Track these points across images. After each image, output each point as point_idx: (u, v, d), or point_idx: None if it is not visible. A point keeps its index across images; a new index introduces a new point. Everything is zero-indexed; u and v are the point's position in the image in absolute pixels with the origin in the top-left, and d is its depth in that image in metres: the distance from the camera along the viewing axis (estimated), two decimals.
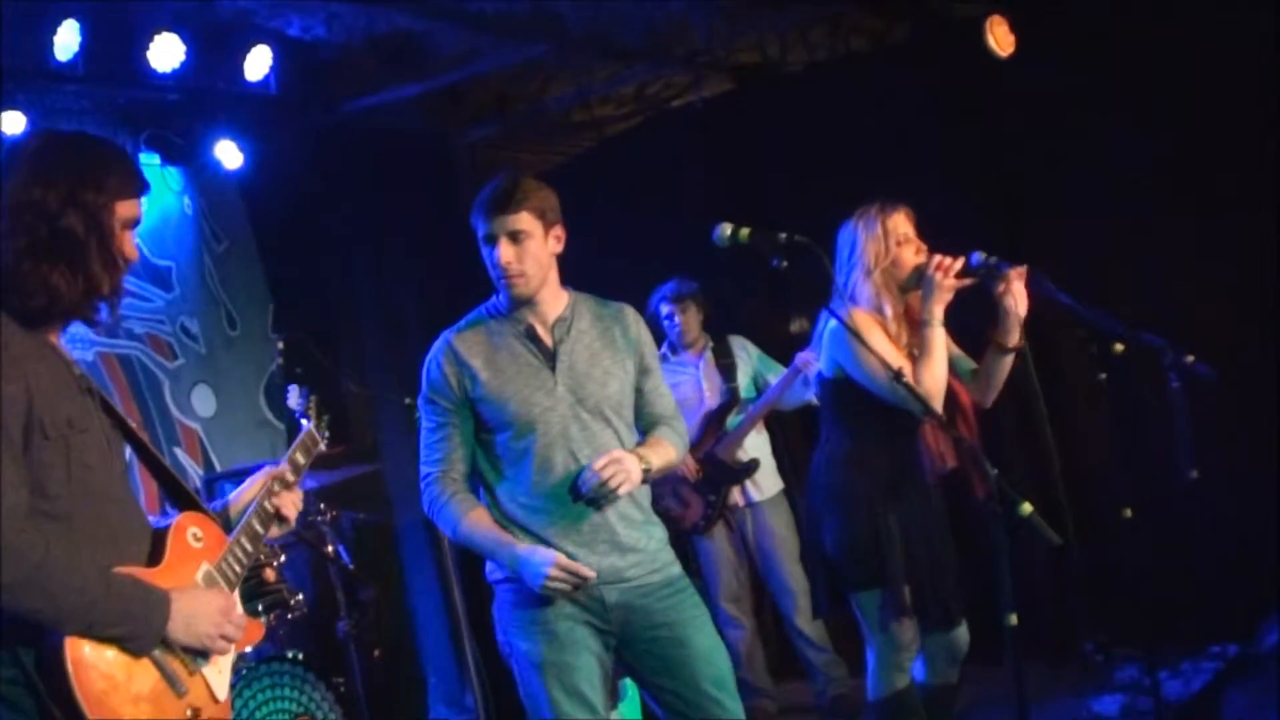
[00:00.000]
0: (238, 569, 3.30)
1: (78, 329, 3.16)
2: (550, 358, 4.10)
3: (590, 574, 3.96)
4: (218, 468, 7.18)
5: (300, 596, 5.82)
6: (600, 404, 4.10)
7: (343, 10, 6.76)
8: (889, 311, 4.70)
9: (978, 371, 4.83)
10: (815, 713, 6.98)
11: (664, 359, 7.09)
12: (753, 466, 6.90)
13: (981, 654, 4.96)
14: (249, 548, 3.37)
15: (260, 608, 5.60)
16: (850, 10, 7.95)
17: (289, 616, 5.79)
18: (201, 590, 3.13)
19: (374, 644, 6.49)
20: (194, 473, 7.05)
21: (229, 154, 7.20)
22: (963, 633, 4.88)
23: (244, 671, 5.39)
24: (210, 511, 3.38)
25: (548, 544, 4.01)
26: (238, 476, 6.49)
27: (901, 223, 4.75)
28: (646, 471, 4.07)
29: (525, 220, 4.03)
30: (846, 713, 6.77)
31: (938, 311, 4.56)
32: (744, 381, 7.04)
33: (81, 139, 3.23)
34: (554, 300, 4.17)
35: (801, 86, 8.12)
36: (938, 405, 4.45)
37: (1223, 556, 6.33)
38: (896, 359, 4.41)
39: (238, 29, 6.76)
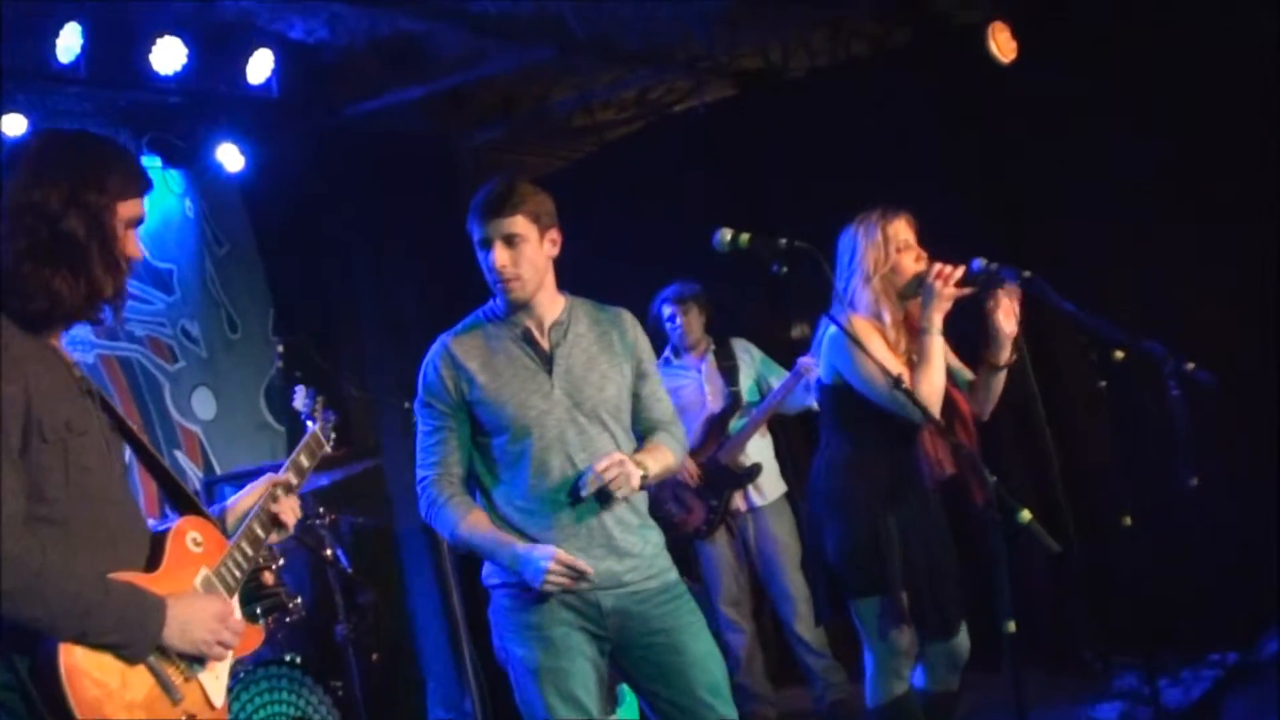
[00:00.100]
0: (237, 574, 3.28)
1: (79, 331, 3.14)
2: (547, 361, 4.10)
3: (590, 569, 3.95)
4: (218, 470, 7.18)
5: (299, 600, 5.82)
6: (597, 408, 4.10)
7: (345, 13, 6.75)
8: (887, 318, 4.69)
9: (974, 384, 4.83)
10: (814, 718, 6.98)
11: (666, 362, 7.09)
12: (755, 471, 6.89)
13: (980, 661, 4.95)
14: (249, 552, 3.35)
15: (258, 611, 5.59)
16: (852, 16, 7.95)
17: (287, 620, 5.79)
18: (199, 596, 3.10)
19: (372, 648, 6.48)
20: (194, 475, 7.05)
21: (230, 157, 7.20)
22: (963, 640, 4.87)
23: (241, 675, 5.38)
24: (210, 515, 3.36)
25: None
26: (238, 479, 6.50)
27: (902, 229, 4.75)
28: (644, 477, 4.06)
29: (520, 224, 4.03)
30: (845, 718, 6.76)
31: (937, 319, 4.56)
32: (746, 385, 7.03)
33: (83, 138, 3.18)
34: (551, 304, 4.16)
35: (803, 92, 8.13)
36: (936, 412, 4.45)
37: (1223, 564, 6.31)
38: (895, 366, 4.41)
39: (240, 32, 6.75)
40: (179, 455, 7.04)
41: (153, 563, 3.07)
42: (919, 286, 4.63)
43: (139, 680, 2.91)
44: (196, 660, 3.05)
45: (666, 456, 4.20)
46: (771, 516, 6.95)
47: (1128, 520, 5.17)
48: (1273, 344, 6.32)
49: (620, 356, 4.20)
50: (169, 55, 6.31)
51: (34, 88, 6.15)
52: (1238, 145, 6.40)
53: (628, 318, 4.30)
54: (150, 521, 3.26)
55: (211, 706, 3.09)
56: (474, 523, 4.08)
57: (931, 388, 4.49)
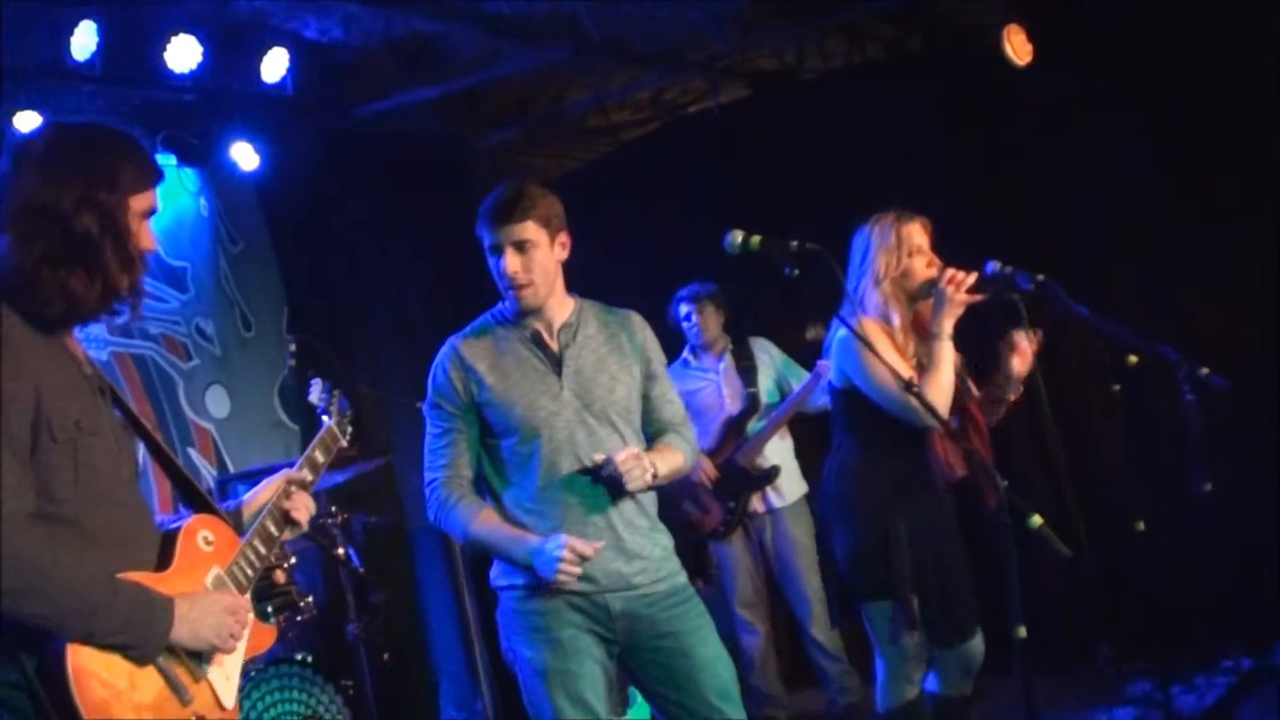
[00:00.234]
0: (249, 572, 3.26)
1: (94, 328, 3.13)
2: (556, 363, 4.10)
3: (589, 551, 3.93)
4: (231, 469, 7.19)
5: (310, 599, 5.83)
6: (607, 409, 4.10)
7: (360, 13, 6.76)
8: (896, 321, 4.69)
9: (979, 399, 4.82)
10: None
11: (684, 363, 7.10)
12: (773, 473, 6.87)
13: (991, 665, 4.94)
14: (262, 551, 3.33)
15: (269, 609, 5.59)
16: (868, 19, 7.94)
17: (298, 618, 5.79)
18: (208, 593, 3.08)
19: (383, 647, 6.49)
20: (207, 473, 7.06)
21: (245, 155, 7.21)
22: (976, 644, 4.85)
23: (252, 673, 5.38)
24: (223, 513, 3.34)
25: None
26: (251, 477, 6.51)
27: (916, 233, 4.74)
28: (654, 477, 4.05)
29: (531, 229, 4.03)
30: None
31: (948, 325, 4.55)
32: (766, 385, 7.01)
33: (91, 131, 3.14)
34: (560, 306, 4.16)
35: (817, 94, 8.11)
36: (944, 416, 4.44)
37: (1236, 569, 6.30)
38: (904, 369, 4.40)
39: (254, 31, 6.76)
40: (193, 453, 7.04)
41: (163, 562, 3.05)
42: (929, 290, 4.63)
43: (148, 681, 2.90)
44: (207, 660, 3.04)
45: (676, 458, 4.19)
46: (790, 518, 6.92)
47: (1141, 525, 5.16)
48: None
49: (630, 358, 4.19)
50: (184, 53, 6.31)
51: (48, 86, 6.15)
52: (1248, 148, 6.38)
53: (637, 319, 4.30)
54: (165, 517, 3.25)
55: (222, 707, 3.08)
56: (484, 521, 4.08)
57: (940, 392, 4.48)
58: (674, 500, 6.79)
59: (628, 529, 4.08)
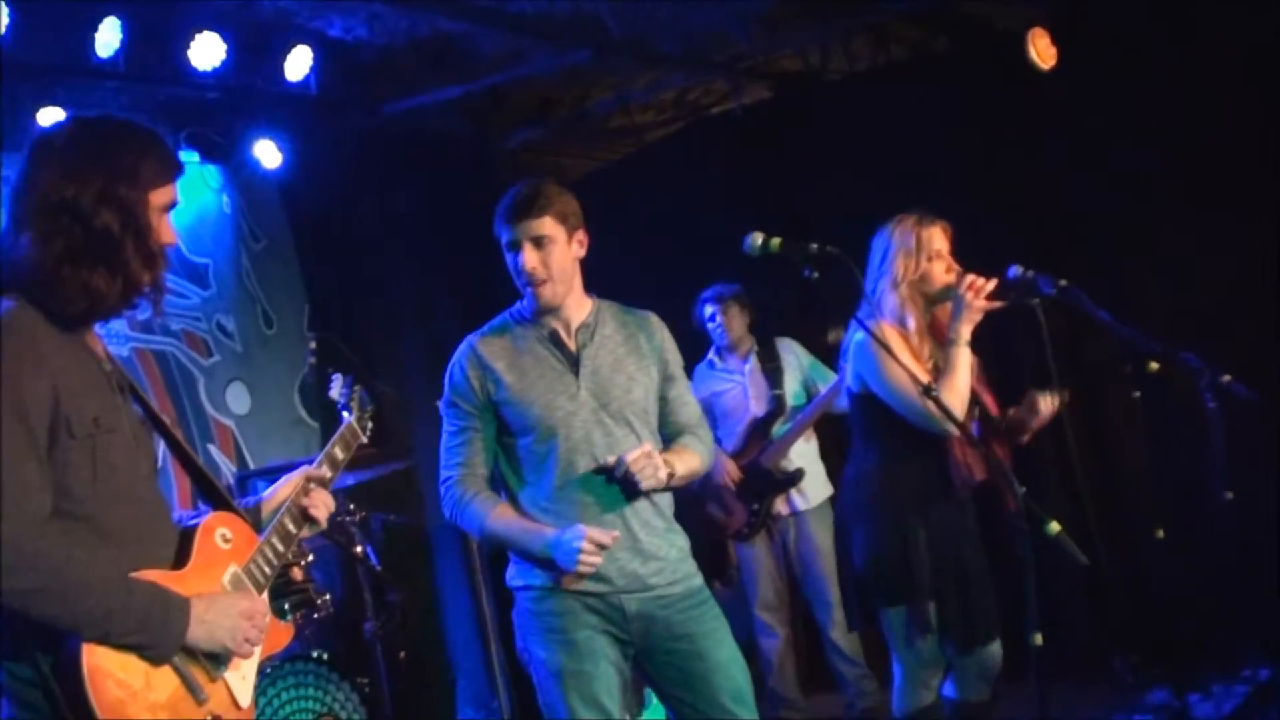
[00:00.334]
0: (267, 570, 3.26)
1: (115, 324, 3.13)
2: (574, 362, 4.10)
3: (607, 540, 3.93)
4: (251, 465, 7.20)
5: (327, 596, 5.82)
6: (623, 409, 4.10)
7: (384, 12, 6.76)
8: (911, 325, 4.67)
9: (1007, 414, 4.82)
10: None
11: (710, 364, 7.09)
12: (797, 476, 6.85)
13: (1008, 670, 4.92)
14: (280, 548, 3.32)
15: (286, 607, 5.60)
16: (894, 21, 7.92)
17: (315, 616, 5.79)
18: (225, 595, 3.08)
19: (400, 645, 6.48)
20: (227, 470, 7.07)
21: (268, 153, 7.21)
22: (995, 650, 4.83)
23: (268, 670, 5.38)
24: (241, 510, 3.34)
25: None
26: (271, 474, 6.51)
27: (937, 237, 4.72)
28: (670, 475, 4.05)
29: (549, 225, 4.03)
30: None
31: (965, 332, 4.53)
32: (793, 388, 6.98)
33: (110, 126, 3.11)
34: (578, 306, 4.17)
35: (841, 95, 8.10)
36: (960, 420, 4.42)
37: (1257, 579, 6.26)
38: (920, 374, 4.38)
39: (278, 29, 6.77)
40: (212, 449, 7.06)
41: (180, 560, 3.05)
42: (950, 295, 4.61)
43: (163, 681, 2.89)
44: (223, 660, 3.03)
45: (692, 460, 4.19)
46: (814, 521, 6.89)
47: (1160, 533, 5.14)
48: None
49: (647, 359, 4.19)
50: (208, 51, 6.33)
51: (72, 82, 6.17)
52: (1275, 153, 6.34)
53: (655, 320, 4.30)
54: (185, 512, 3.25)
55: (238, 706, 3.07)
56: (500, 516, 4.09)
57: (956, 396, 4.45)
58: (698, 501, 6.80)
59: (644, 529, 4.08)
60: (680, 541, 4.20)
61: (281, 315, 7.69)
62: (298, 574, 5.70)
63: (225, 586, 3.12)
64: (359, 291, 7.95)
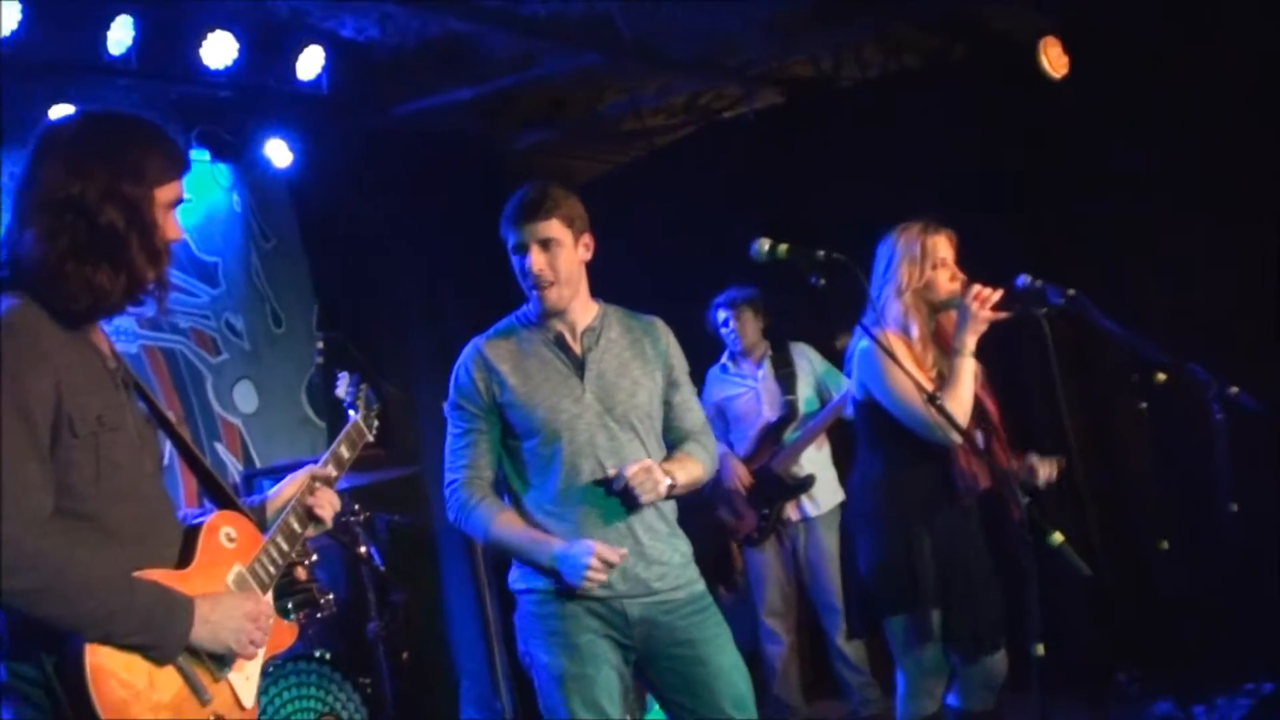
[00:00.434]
0: (271, 570, 3.24)
1: (123, 321, 3.11)
2: (579, 366, 4.10)
3: (615, 558, 3.93)
4: (258, 464, 7.20)
5: (330, 596, 5.83)
6: (628, 413, 4.10)
7: (396, 12, 6.77)
8: (915, 332, 4.67)
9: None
10: None
11: (724, 369, 7.08)
12: (808, 482, 6.85)
13: (1011, 680, 4.92)
14: (285, 547, 3.31)
15: (289, 606, 5.60)
16: (905, 28, 7.91)
17: (318, 615, 5.79)
18: (229, 595, 3.06)
19: (403, 646, 6.49)
20: (233, 468, 7.07)
21: (279, 152, 7.22)
22: (999, 659, 4.82)
23: (270, 669, 5.38)
24: (246, 509, 3.32)
25: None
26: (277, 473, 6.52)
27: (942, 245, 4.72)
28: (671, 487, 4.05)
29: (556, 228, 4.04)
30: None
31: (970, 342, 4.52)
32: (806, 393, 6.97)
33: (116, 121, 3.08)
34: (584, 309, 4.17)
35: (852, 102, 8.10)
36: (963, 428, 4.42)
37: (1261, 592, 6.25)
38: (924, 382, 4.38)
39: (291, 29, 6.77)
40: (219, 448, 7.06)
41: (185, 559, 3.03)
42: (954, 304, 4.61)
43: (167, 681, 2.88)
44: (226, 660, 3.01)
45: (695, 468, 4.19)
46: (823, 527, 6.87)
47: (1165, 544, 5.13)
48: None
49: (652, 364, 4.20)
50: (220, 50, 6.34)
51: (84, 80, 6.17)
52: None
53: (660, 326, 4.30)
54: (188, 511, 3.24)
55: (241, 707, 3.06)
56: (506, 523, 4.09)
57: (959, 406, 4.45)
58: (708, 505, 6.80)
59: (648, 534, 4.08)
60: (683, 547, 4.20)
61: (290, 314, 7.69)
62: (302, 574, 5.71)
63: (229, 586, 3.10)
64: (367, 292, 7.95)
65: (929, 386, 4.28)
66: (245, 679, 3.09)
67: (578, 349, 4.13)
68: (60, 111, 6.00)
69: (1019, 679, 4.89)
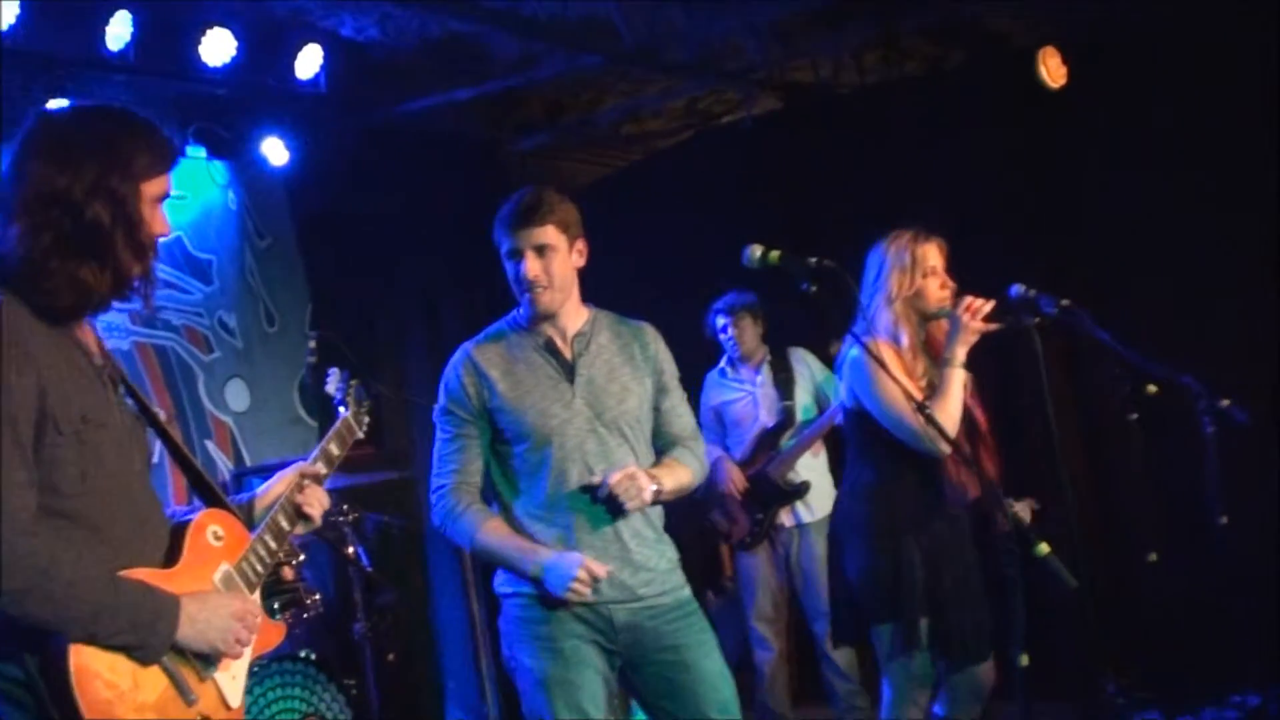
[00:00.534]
0: (259, 569, 3.20)
1: (116, 318, 3.08)
2: (569, 371, 4.09)
3: (602, 573, 3.92)
4: (248, 462, 7.19)
5: (317, 596, 5.81)
6: (617, 419, 4.09)
7: (396, 12, 6.78)
8: (905, 341, 4.67)
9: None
10: None
11: (722, 373, 7.07)
12: (803, 489, 6.82)
13: (998, 689, 4.91)
14: (272, 545, 3.27)
15: (275, 606, 5.57)
16: (905, 35, 7.92)
17: (304, 615, 5.77)
18: (216, 594, 3.03)
19: (389, 647, 6.47)
20: (223, 466, 7.07)
21: (275, 151, 7.22)
22: (987, 669, 4.82)
23: (255, 669, 5.34)
24: (234, 507, 3.27)
25: None
26: (267, 472, 6.47)
27: (932, 254, 4.72)
28: (657, 493, 4.04)
29: (551, 234, 4.03)
30: None
31: (960, 353, 4.52)
32: (803, 400, 6.94)
33: (104, 115, 3.04)
34: (575, 314, 4.16)
35: (851, 108, 8.10)
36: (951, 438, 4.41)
37: (1248, 604, 6.25)
38: (913, 391, 4.37)
39: (290, 27, 6.79)
40: (210, 445, 7.06)
41: (171, 557, 2.99)
42: (945, 314, 4.61)
43: (152, 681, 2.84)
44: (213, 660, 2.98)
45: (683, 474, 4.18)
46: (817, 534, 6.80)
47: (1154, 556, 5.13)
48: None
49: (642, 369, 4.18)
50: (218, 47, 6.35)
51: (82, 75, 6.18)
52: None
53: (650, 331, 4.29)
54: (177, 508, 3.21)
55: (227, 707, 3.03)
56: (493, 530, 4.07)
57: (948, 417, 4.45)
58: (702, 508, 6.79)
59: (635, 539, 4.07)
60: (670, 552, 4.19)
61: (284, 313, 7.69)
62: (288, 573, 5.68)
63: (217, 585, 3.06)
64: (362, 292, 7.95)
65: (918, 396, 4.28)
66: (232, 679, 3.06)
67: (568, 354, 4.12)
68: (56, 106, 6.02)
69: (1006, 689, 4.89)
